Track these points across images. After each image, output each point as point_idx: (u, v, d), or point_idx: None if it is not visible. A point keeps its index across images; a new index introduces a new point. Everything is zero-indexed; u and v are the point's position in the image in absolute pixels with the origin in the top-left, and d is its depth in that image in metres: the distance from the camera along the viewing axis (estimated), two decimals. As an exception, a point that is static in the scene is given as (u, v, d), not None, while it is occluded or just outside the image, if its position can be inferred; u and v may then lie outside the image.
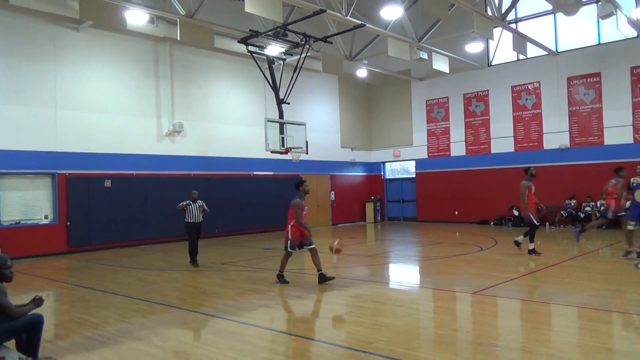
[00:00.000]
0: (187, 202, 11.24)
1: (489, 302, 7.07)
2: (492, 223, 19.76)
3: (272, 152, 15.04)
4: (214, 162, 17.79)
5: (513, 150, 19.69)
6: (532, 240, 10.81)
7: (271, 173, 19.63)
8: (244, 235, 17.97)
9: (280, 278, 8.66)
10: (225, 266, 10.99)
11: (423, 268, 10.71)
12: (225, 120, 18.32)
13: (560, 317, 6.33)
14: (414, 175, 22.87)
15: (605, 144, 17.49)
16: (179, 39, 13.85)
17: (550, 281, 8.38)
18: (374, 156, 24.39)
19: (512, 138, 19.75)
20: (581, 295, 7.21)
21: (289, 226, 8.43)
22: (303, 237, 8.39)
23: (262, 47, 15.50)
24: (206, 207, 11.46)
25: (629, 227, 10.19)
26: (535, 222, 10.62)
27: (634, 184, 10.15)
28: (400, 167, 24.02)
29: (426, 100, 22.41)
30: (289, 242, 8.44)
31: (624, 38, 17.04)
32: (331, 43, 16.05)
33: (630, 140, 16.99)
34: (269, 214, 19.09)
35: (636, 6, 14.96)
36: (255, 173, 19.13)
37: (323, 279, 8.33)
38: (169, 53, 16.65)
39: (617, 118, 17.22)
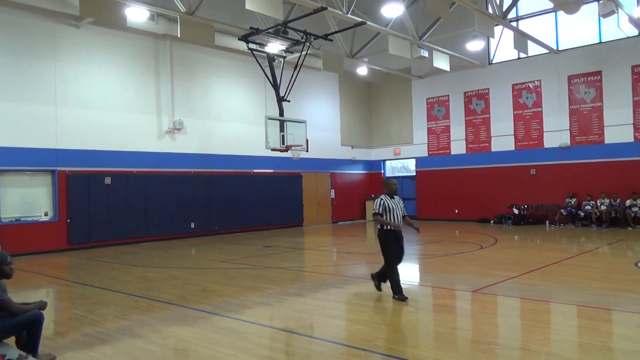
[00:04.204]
0: (383, 198, 7.05)
1: (488, 300, 7.07)
2: (492, 221, 19.75)
3: (272, 149, 15.05)
4: (214, 160, 17.78)
5: (513, 149, 19.69)
6: None
7: (271, 171, 19.63)
8: (244, 233, 17.97)
9: None
10: (225, 264, 10.99)
11: (423, 266, 10.71)
12: (226, 117, 18.31)
13: (560, 315, 6.33)
14: (414, 174, 22.86)
15: (605, 142, 17.48)
16: (179, 36, 13.83)
17: (550, 280, 8.38)
18: (374, 154, 24.38)
19: (513, 136, 19.74)
20: (581, 294, 7.21)
21: None
22: None
23: (262, 45, 15.48)
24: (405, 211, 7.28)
25: None
26: None
27: None
28: (401, 165, 24.01)
29: (427, 99, 22.38)
30: None
31: (625, 37, 17.01)
32: (332, 41, 16.04)
33: (631, 139, 16.97)
34: (269, 212, 19.12)
35: (637, 4, 14.93)
36: (255, 171, 19.12)
37: None
38: (169, 50, 16.63)
39: (618, 116, 17.20)
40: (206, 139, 17.66)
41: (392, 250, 7.02)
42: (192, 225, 16.96)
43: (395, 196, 7.13)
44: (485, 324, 5.90)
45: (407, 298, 6.84)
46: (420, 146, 22.58)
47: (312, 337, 5.61)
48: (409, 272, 10.27)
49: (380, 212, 6.94)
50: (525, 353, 4.79)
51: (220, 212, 17.70)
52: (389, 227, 6.95)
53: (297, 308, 6.85)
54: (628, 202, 16.57)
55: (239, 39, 15.16)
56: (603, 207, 16.94)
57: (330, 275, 9.55)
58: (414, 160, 22.98)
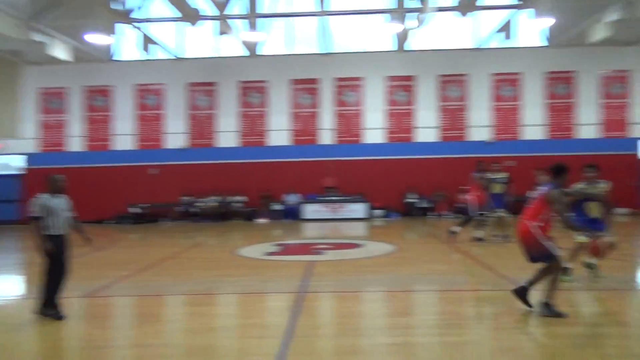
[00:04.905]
0: (43, 197, 5.91)
1: (101, 303, 6.92)
2: (113, 221, 19.19)
3: None
4: None
5: (135, 148, 19.99)
6: None
7: None
8: None
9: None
10: None
11: (27, 277, 9.39)
12: None
13: (170, 306, 6.78)
14: (21, 172, 19.93)
15: (218, 146, 19.83)
16: None
17: (163, 274, 8.84)
18: (-31, 147, 20.04)
19: (135, 136, 19.95)
20: (190, 283, 7.90)
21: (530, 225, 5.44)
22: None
23: None
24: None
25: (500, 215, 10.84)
26: None
27: (490, 178, 10.85)
28: (2, 162, 20.41)
29: (41, 88, 20.10)
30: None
31: (237, 55, 19.70)
32: None
33: (239, 144, 19.79)
34: None
35: (250, 29, 17.40)
36: None
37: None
38: None
39: (228, 124, 19.73)
40: None
41: (57, 260, 5.95)
42: None
43: (60, 195, 6.05)
44: (97, 328, 5.66)
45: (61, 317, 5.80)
46: (31, 141, 20.01)
47: None
48: (6, 286, 8.92)
49: (39, 215, 5.77)
50: (138, 350, 4.91)
51: None
52: (51, 232, 5.84)
53: None
54: (231, 199, 19.42)
55: None
56: (212, 204, 19.20)
57: None
58: (22, 156, 20.06)
